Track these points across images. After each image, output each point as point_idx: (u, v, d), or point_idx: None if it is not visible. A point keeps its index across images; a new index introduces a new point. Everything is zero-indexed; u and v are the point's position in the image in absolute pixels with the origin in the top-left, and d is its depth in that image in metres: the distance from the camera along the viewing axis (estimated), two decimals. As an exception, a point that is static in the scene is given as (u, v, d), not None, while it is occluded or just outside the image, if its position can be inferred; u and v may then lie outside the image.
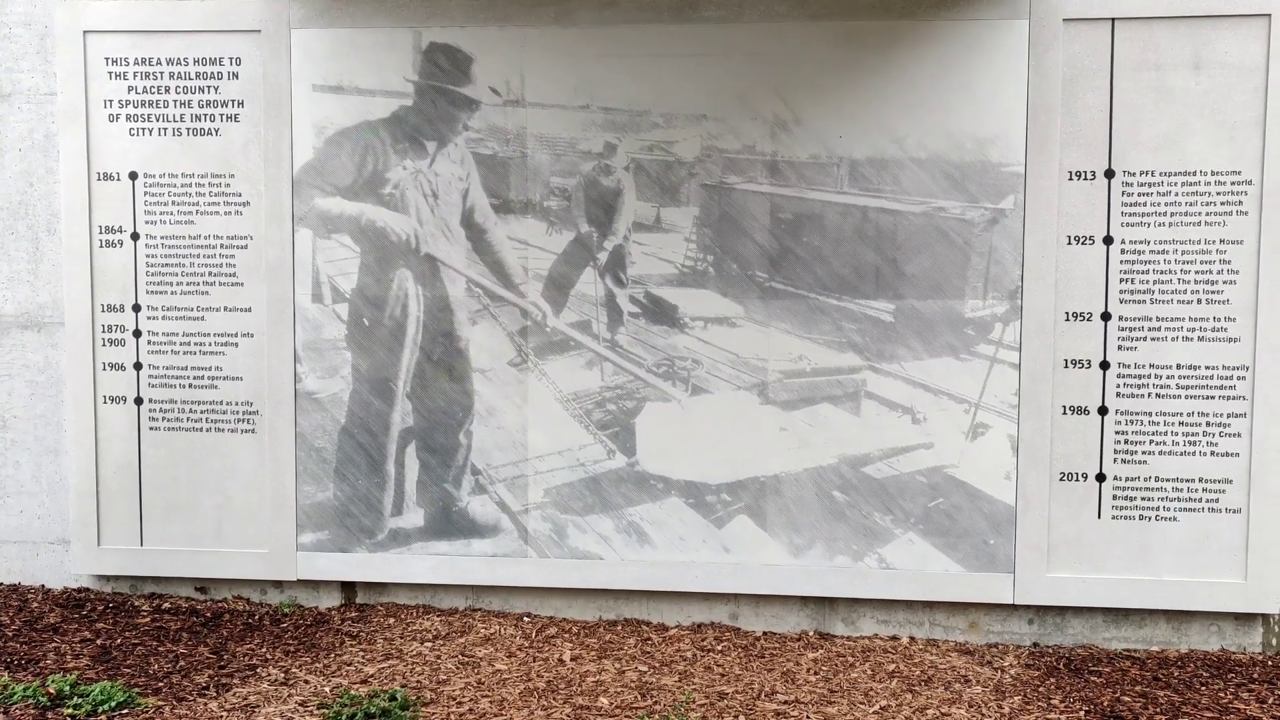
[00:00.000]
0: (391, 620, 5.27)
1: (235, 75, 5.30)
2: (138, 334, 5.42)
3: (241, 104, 5.31)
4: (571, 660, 4.86)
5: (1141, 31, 4.89)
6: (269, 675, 4.65)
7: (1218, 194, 4.90)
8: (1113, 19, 4.90)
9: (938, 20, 4.97)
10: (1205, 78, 4.87)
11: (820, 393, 5.16)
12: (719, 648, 5.03)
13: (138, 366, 5.43)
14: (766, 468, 5.18)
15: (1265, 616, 5.02)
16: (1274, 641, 5.03)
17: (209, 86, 5.32)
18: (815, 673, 4.77)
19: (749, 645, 5.07)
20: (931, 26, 4.98)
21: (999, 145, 4.97)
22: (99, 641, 5.00)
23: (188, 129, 5.35)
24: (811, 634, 5.21)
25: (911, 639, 5.17)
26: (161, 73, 5.33)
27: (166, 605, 5.43)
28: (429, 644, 5.01)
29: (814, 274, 5.13)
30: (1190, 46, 4.87)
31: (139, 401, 5.44)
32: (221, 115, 5.32)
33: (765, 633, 5.23)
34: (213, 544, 5.43)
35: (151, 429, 5.44)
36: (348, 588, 5.46)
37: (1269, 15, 4.79)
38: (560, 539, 5.29)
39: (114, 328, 5.42)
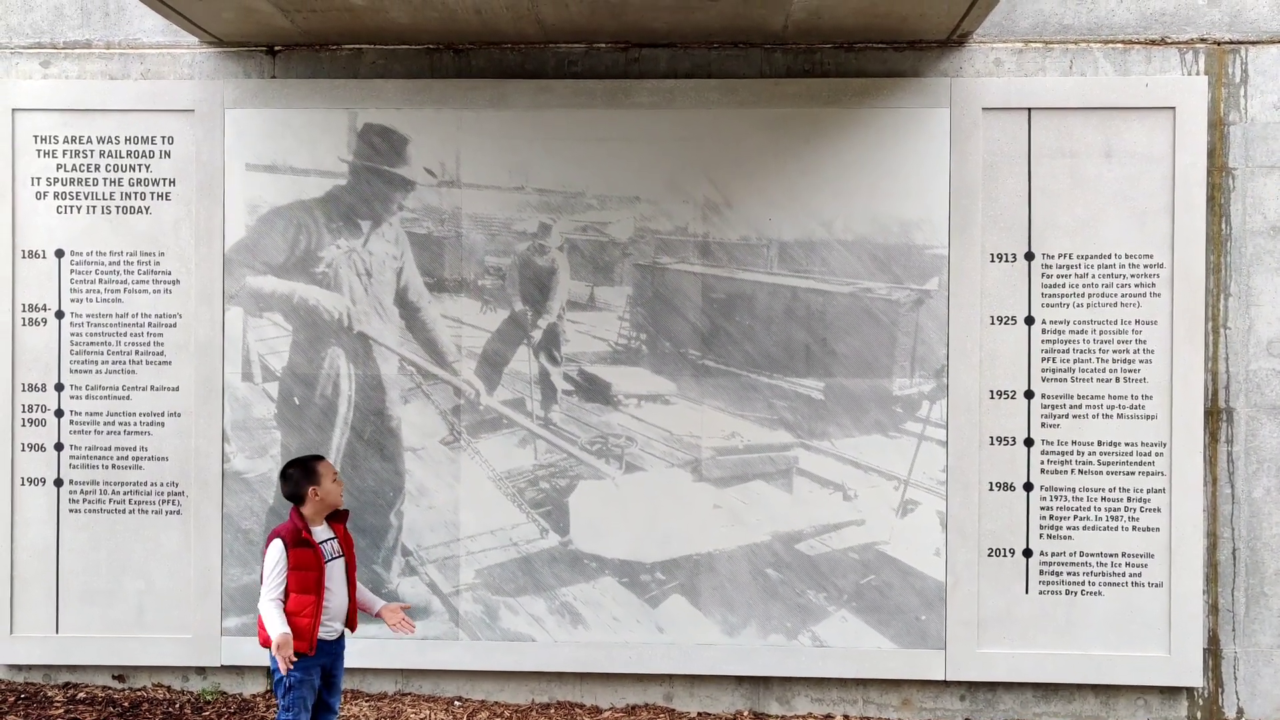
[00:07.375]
0: (318, 707, 5.13)
1: (167, 154, 5.29)
2: (59, 414, 5.30)
3: (173, 182, 5.28)
4: (503, 746, 4.77)
5: (1056, 121, 5.09)
6: (188, 768, 4.51)
7: (1132, 276, 5.08)
8: (1029, 109, 5.10)
9: (862, 108, 5.13)
10: (1117, 165, 5.08)
11: (753, 470, 5.20)
12: (653, 730, 4.98)
13: (59, 447, 5.30)
14: (700, 545, 5.19)
15: (1190, 690, 5.09)
16: (1199, 715, 5.10)
17: (140, 165, 5.29)
18: (750, 755, 4.74)
19: (684, 727, 5.02)
20: (856, 114, 5.14)
21: (923, 228, 5.12)
22: (9, 735, 4.81)
23: (117, 207, 5.30)
24: (746, 714, 5.17)
25: (846, 717, 5.15)
26: (92, 150, 5.29)
27: (81, 695, 5.23)
28: (357, 731, 4.89)
29: (746, 352, 5.19)
30: (1102, 136, 5.08)
31: (59, 483, 5.30)
32: (152, 193, 5.29)
33: (700, 713, 5.18)
34: (133, 630, 5.27)
35: (72, 511, 5.30)
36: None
37: (1174, 108, 5.02)
38: (492, 620, 5.21)
39: (34, 407, 5.30)
